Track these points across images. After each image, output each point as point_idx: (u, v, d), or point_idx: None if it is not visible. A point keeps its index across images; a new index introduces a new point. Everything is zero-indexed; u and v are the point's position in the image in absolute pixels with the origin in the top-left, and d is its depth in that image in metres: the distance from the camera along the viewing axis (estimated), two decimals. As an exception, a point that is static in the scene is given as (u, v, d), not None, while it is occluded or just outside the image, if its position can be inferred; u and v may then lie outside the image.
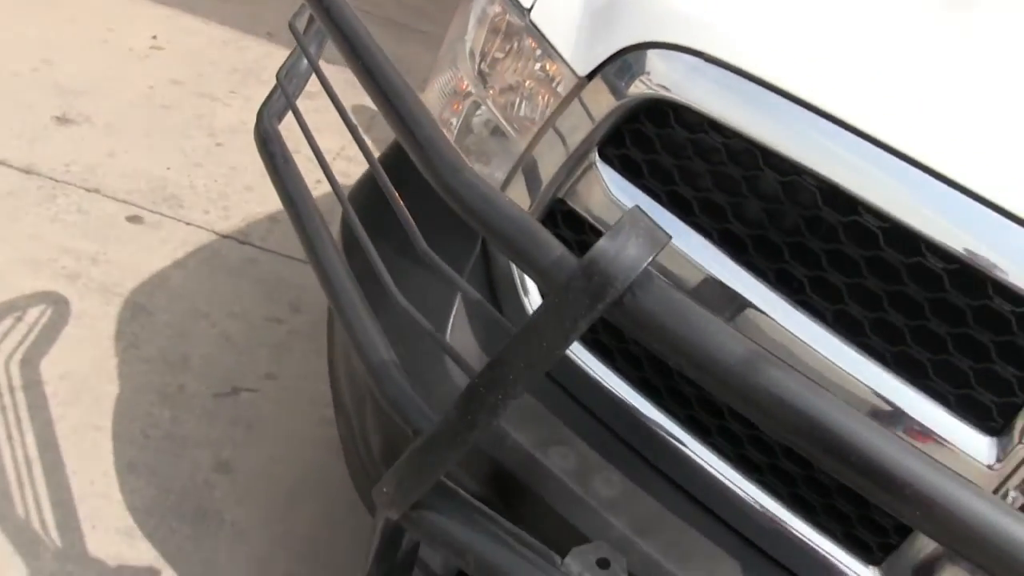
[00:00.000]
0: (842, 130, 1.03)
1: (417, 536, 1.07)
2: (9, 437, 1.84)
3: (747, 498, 1.18)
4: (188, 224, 2.51)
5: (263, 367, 2.16)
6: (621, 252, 0.80)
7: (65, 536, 1.71)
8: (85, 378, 2.00)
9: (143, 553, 1.74)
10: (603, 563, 1.06)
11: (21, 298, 2.11)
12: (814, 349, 1.06)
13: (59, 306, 2.12)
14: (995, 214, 0.96)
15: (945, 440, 1.00)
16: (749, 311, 1.09)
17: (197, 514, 1.83)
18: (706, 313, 0.81)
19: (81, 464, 1.84)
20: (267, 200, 2.56)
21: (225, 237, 2.51)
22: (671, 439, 1.21)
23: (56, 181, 2.46)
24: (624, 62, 1.18)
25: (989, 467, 1.00)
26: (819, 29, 1.17)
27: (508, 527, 1.07)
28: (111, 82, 2.91)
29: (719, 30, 1.14)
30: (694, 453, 1.21)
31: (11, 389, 1.92)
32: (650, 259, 0.80)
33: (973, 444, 1.01)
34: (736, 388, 0.80)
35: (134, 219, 2.46)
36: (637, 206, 0.87)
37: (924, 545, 1.08)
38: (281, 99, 1.37)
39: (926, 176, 0.98)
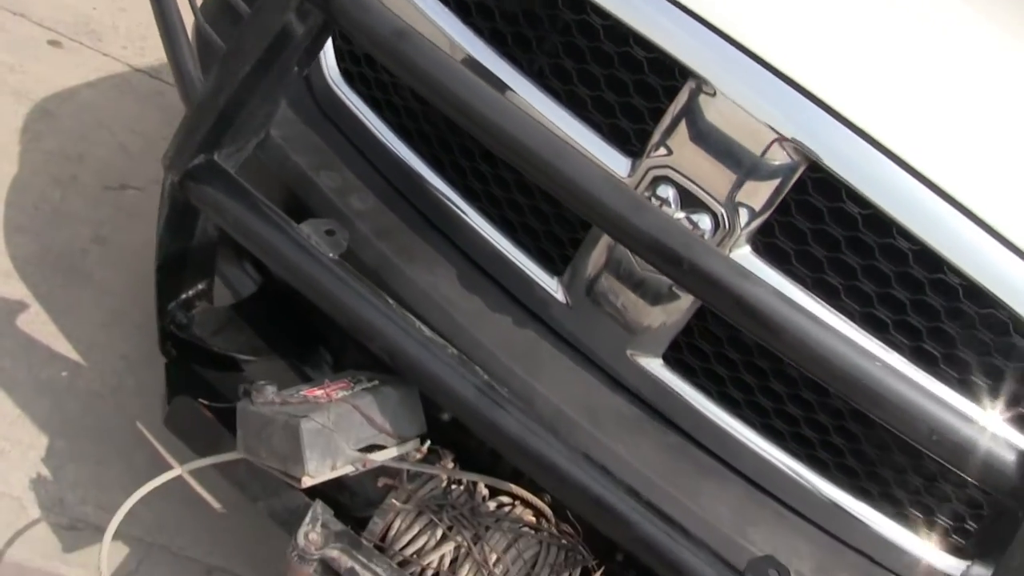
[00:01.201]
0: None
1: (192, 198, 1.39)
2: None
3: (467, 220, 1.51)
4: (105, 55, 2.80)
5: (153, 174, 2.45)
6: None
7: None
8: (-12, 156, 2.30)
9: (17, 291, 2.05)
10: (330, 232, 1.40)
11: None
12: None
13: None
14: None
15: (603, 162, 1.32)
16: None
17: (70, 270, 2.15)
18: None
19: (-26, 221, 2.15)
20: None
21: (138, 70, 2.81)
22: (413, 170, 1.54)
23: (-15, 4, 2.74)
24: None
25: (626, 176, 1.33)
26: None
27: (263, 201, 1.39)
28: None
29: None
30: (431, 183, 1.53)
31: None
32: None
33: (618, 163, 1.34)
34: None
35: (54, 43, 2.75)
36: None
37: (591, 257, 1.41)
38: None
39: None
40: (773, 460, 1.39)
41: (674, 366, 1.41)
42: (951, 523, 1.33)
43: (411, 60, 1.21)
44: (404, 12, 1.36)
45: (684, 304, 1.35)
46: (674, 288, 1.33)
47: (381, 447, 1.34)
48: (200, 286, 1.61)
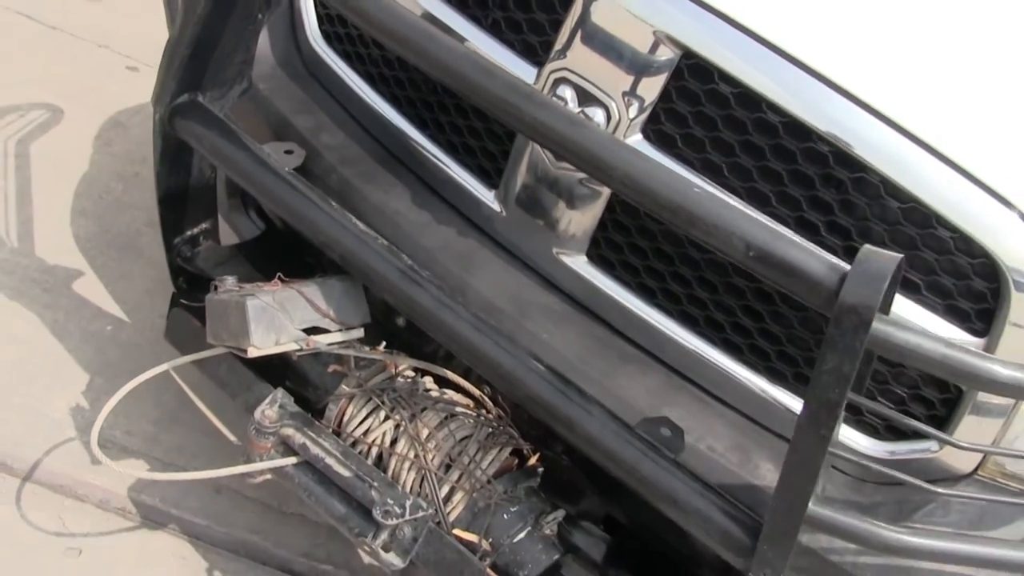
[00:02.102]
0: None
1: (178, 131, 1.63)
2: (-1, 184, 2.49)
3: (419, 147, 1.70)
4: (176, 79, 3.16)
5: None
6: None
7: (21, 242, 2.35)
8: (65, 157, 2.65)
9: (75, 262, 2.35)
10: (289, 151, 1.61)
11: (27, 104, 2.78)
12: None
13: (55, 113, 2.79)
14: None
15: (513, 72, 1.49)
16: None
17: (124, 247, 2.44)
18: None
19: (47, 207, 2.48)
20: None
21: (204, 91, 3.15)
22: (375, 109, 1.75)
23: (75, 37, 3.15)
24: None
25: (532, 81, 1.49)
26: None
27: (236, 131, 1.62)
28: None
29: None
30: (390, 119, 1.73)
31: (5, 155, 2.58)
32: None
33: (526, 72, 1.51)
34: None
35: (132, 68, 3.13)
36: None
37: (519, 169, 1.57)
38: None
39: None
40: (689, 346, 1.50)
41: (597, 262, 1.55)
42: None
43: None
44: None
45: (597, 201, 1.49)
46: (584, 183, 1.48)
47: (326, 332, 1.52)
48: (204, 225, 1.85)
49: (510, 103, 1.33)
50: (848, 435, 1.44)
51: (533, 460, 1.57)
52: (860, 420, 1.45)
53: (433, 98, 1.68)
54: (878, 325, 1.05)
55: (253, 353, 1.45)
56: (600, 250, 1.54)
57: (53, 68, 2.96)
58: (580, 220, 1.53)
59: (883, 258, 1.04)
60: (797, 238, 1.17)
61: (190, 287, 1.85)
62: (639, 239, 1.49)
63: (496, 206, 1.62)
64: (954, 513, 1.42)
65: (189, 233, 1.84)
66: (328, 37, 1.85)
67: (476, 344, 1.41)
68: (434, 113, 1.68)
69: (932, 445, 1.42)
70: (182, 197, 1.78)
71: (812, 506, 1.22)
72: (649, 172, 1.18)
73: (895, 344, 1.06)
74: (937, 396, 1.38)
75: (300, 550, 1.93)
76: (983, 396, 1.33)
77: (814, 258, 1.09)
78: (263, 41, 1.88)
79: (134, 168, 2.70)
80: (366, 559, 1.96)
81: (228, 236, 1.98)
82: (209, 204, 1.85)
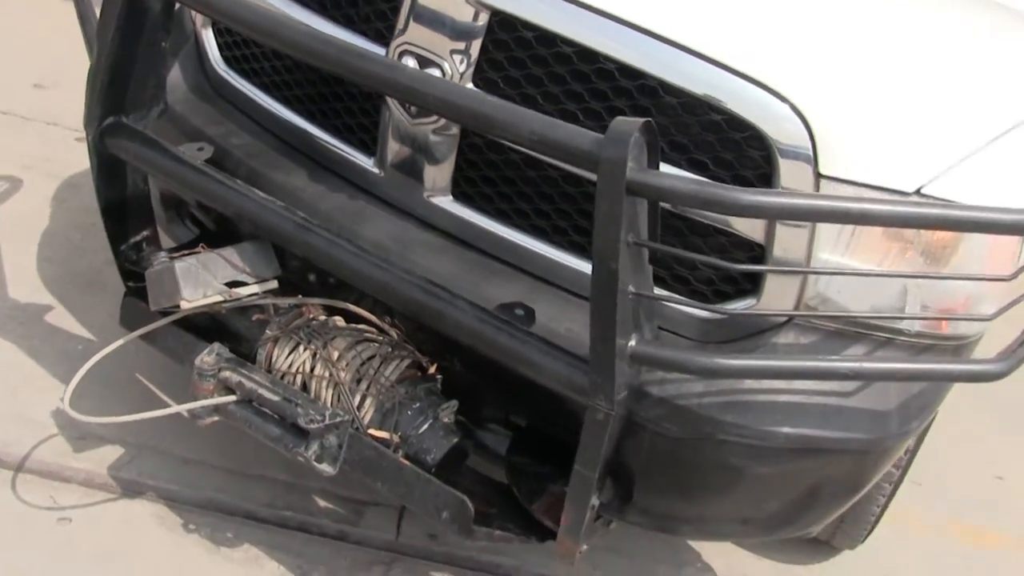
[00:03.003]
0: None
1: (108, 148, 1.96)
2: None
3: (312, 134, 2.04)
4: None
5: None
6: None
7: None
8: (28, 217, 2.99)
9: (45, 299, 2.68)
10: (201, 148, 1.95)
11: (-9, 177, 3.14)
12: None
13: (15, 183, 3.13)
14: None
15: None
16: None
17: (88, 283, 2.77)
18: None
19: (16, 260, 2.80)
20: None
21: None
22: (272, 111, 2.09)
23: (26, 119, 3.52)
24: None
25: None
26: None
27: (156, 140, 1.96)
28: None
29: None
30: (286, 116, 2.08)
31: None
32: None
33: (379, 51, 1.86)
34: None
35: (81, 139, 3.48)
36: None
37: (387, 135, 1.91)
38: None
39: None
40: (543, 253, 1.82)
41: (461, 199, 1.88)
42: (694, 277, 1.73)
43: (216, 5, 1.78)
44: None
45: (450, 147, 1.83)
46: (436, 132, 1.82)
47: (245, 285, 1.85)
48: (145, 232, 2.17)
49: (369, 72, 1.67)
50: (684, 307, 1.75)
51: (431, 369, 1.88)
52: (694, 291, 1.77)
53: (315, 92, 2.03)
54: (635, 173, 1.38)
55: (185, 306, 1.78)
56: (462, 188, 1.88)
57: (9, 146, 3.32)
58: (440, 166, 1.87)
59: (629, 123, 1.38)
60: (566, 124, 1.49)
61: (138, 285, 2.17)
62: (488, 171, 1.83)
63: (376, 170, 1.96)
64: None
65: (133, 240, 2.16)
66: (228, 61, 2.21)
67: (362, 269, 1.74)
68: (317, 104, 2.03)
69: (747, 303, 1.75)
70: (122, 207, 2.11)
71: (637, 346, 1.54)
72: (461, 94, 1.53)
73: (652, 186, 1.39)
74: (745, 257, 1.70)
75: (263, 502, 2.22)
76: (779, 254, 1.65)
77: (578, 134, 1.43)
78: (176, 72, 2.25)
79: (90, 219, 3.03)
80: (321, 503, 2.26)
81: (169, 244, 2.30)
82: (147, 213, 2.17)
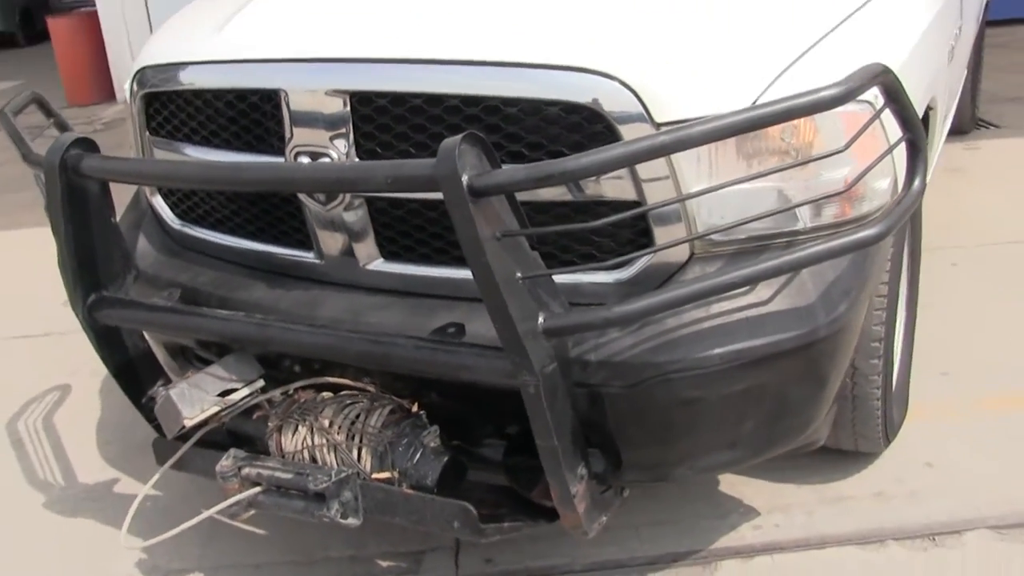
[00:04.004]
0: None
1: (99, 320, 2.30)
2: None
3: (265, 252, 2.35)
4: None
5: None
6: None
7: (65, 480, 3.02)
8: (81, 412, 3.37)
9: (110, 474, 3.01)
10: (171, 294, 2.27)
11: (40, 392, 3.53)
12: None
13: (65, 389, 3.53)
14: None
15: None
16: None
17: (144, 450, 3.11)
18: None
19: (79, 448, 3.16)
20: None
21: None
22: (228, 244, 2.41)
23: (62, 334, 3.94)
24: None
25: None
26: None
27: (136, 301, 2.29)
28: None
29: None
30: (239, 245, 2.40)
31: (34, 432, 3.30)
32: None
33: (278, 160, 2.17)
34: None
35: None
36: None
37: (315, 230, 2.21)
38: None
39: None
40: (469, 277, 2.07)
41: (390, 257, 2.16)
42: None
43: (149, 172, 2.12)
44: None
45: (361, 217, 2.12)
46: (345, 210, 2.11)
47: (236, 391, 2.14)
48: (158, 383, 2.49)
49: (276, 180, 1.98)
50: (597, 278, 1.98)
51: (413, 408, 2.13)
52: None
53: (251, 215, 2.35)
54: (473, 179, 1.62)
55: (188, 423, 2.07)
56: (387, 249, 2.16)
57: (55, 360, 3.73)
58: (363, 237, 2.15)
59: (452, 140, 1.64)
60: (408, 161, 1.76)
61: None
62: (400, 226, 2.11)
63: (317, 260, 2.25)
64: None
65: (149, 392, 2.48)
66: (181, 216, 2.55)
67: (312, 341, 2.02)
68: (256, 224, 2.36)
69: (651, 258, 1.96)
70: (129, 368, 2.44)
71: (546, 322, 1.77)
72: (323, 169, 1.84)
73: (491, 184, 1.64)
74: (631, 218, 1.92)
75: (331, 579, 2.48)
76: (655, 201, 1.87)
77: (419, 165, 1.70)
78: (143, 241, 2.60)
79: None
80: (384, 564, 2.49)
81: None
82: (153, 366, 2.49)
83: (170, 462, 2.27)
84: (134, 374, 2.46)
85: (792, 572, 2.34)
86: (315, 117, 2.06)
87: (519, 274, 1.73)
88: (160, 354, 2.55)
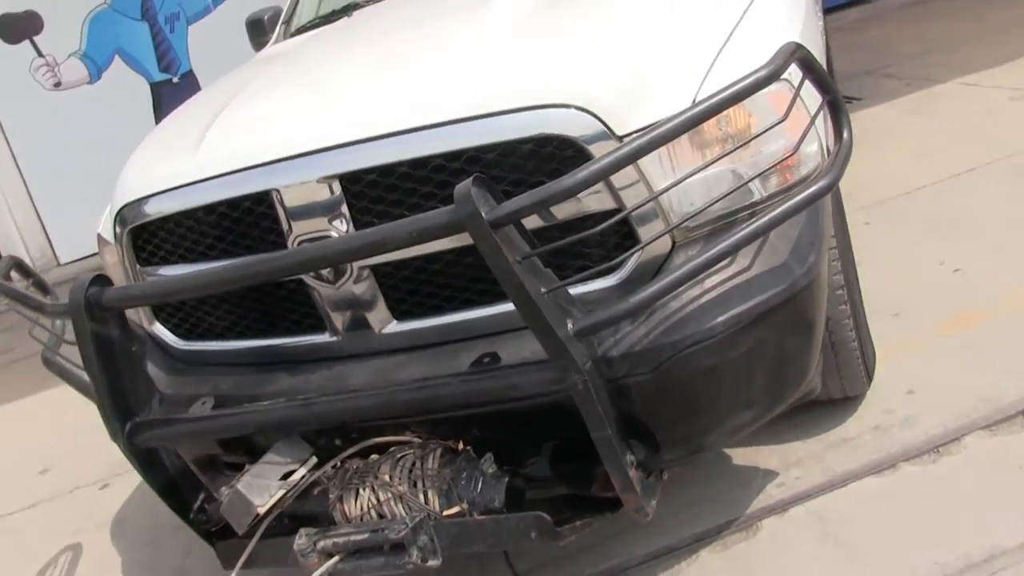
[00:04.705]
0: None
1: (140, 445, 2.43)
2: None
3: (286, 345, 2.52)
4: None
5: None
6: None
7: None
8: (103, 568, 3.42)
9: None
10: (204, 402, 2.43)
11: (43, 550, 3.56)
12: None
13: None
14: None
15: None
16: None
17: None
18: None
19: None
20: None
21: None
22: (240, 347, 2.58)
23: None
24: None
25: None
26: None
27: (172, 418, 2.43)
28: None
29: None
30: (253, 345, 2.57)
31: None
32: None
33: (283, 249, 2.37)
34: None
35: (104, 487, 3.94)
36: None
37: (325, 312, 2.41)
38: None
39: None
40: (482, 314, 2.30)
41: (403, 317, 2.37)
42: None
43: (176, 288, 2.29)
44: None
45: (368, 287, 2.32)
46: (353, 282, 2.31)
47: (294, 472, 2.29)
48: (201, 495, 2.62)
49: (288, 265, 2.17)
50: (599, 284, 2.23)
51: (460, 446, 2.32)
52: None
53: (256, 314, 2.53)
54: (489, 214, 1.86)
55: (262, 510, 2.21)
56: (399, 309, 2.36)
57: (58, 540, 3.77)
58: (374, 305, 2.35)
59: (463, 186, 1.88)
60: (426, 214, 1.99)
61: (215, 534, 2.59)
62: (407, 285, 2.32)
63: (334, 338, 2.44)
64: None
65: (196, 505, 2.60)
66: (185, 335, 2.71)
67: (359, 406, 2.20)
68: (263, 322, 2.53)
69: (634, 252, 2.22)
70: (173, 485, 2.56)
71: (575, 325, 2.01)
72: (353, 239, 2.03)
73: (505, 214, 1.87)
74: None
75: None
76: (632, 202, 2.13)
77: (440, 214, 1.93)
78: (152, 369, 2.73)
79: (153, 534, 3.48)
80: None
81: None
82: (194, 480, 2.62)
83: (243, 557, 2.39)
84: (177, 491, 2.58)
85: (826, 513, 2.59)
86: (311, 207, 2.27)
87: (543, 289, 1.96)
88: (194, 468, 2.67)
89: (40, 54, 7.84)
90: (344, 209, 2.26)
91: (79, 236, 7.90)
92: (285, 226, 2.32)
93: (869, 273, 3.45)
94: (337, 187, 2.25)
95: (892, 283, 3.61)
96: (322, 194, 2.26)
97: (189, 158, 2.49)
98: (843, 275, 2.66)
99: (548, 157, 2.15)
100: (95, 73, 7.94)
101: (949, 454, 2.66)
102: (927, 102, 5.45)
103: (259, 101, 2.69)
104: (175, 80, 8.02)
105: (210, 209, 2.42)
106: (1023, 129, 4.63)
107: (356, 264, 2.29)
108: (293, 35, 3.77)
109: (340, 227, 2.27)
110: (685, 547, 2.62)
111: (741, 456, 2.92)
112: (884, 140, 5.18)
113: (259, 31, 4.04)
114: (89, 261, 8.00)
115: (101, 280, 2.29)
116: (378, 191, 2.23)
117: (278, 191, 2.29)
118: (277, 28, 3.98)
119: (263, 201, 2.34)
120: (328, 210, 2.26)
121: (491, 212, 1.88)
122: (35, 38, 7.79)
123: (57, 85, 7.91)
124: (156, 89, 8.01)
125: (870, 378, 2.92)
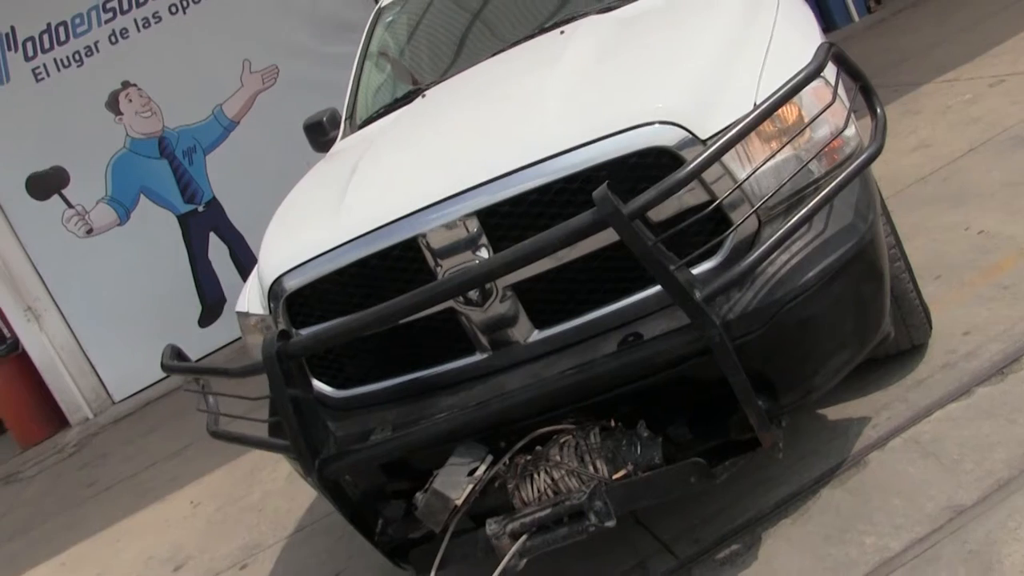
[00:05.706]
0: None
1: (329, 475, 2.86)
2: None
3: (442, 372, 2.99)
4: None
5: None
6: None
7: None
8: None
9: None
10: (382, 430, 2.88)
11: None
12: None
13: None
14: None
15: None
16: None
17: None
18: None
19: None
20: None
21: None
22: (395, 383, 3.04)
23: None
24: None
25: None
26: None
27: (355, 447, 2.88)
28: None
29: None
30: (410, 378, 3.03)
31: None
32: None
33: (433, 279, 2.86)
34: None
35: (244, 566, 4.33)
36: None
37: (475, 334, 2.89)
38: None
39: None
40: (611, 309, 2.78)
41: (544, 325, 2.85)
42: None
43: (362, 323, 2.76)
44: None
45: (510, 303, 2.81)
46: (499, 301, 2.79)
47: (475, 469, 2.74)
48: (380, 518, 3.04)
49: (443, 292, 2.65)
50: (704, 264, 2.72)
51: (612, 422, 2.77)
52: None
53: (409, 351, 3.00)
54: (627, 209, 2.36)
55: (459, 502, 2.65)
56: (539, 319, 2.84)
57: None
58: (518, 320, 2.83)
59: (601, 190, 2.38)
60: (569, 220, 2.49)
61: (402, 546, 3.01)
62: (544, 295, 2.81)
63: (485, 356, 2.91)
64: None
65: (378, 527, 3.02)
66: (341, 386, 3.17)
67: (530, 399, 2.66)
68: (417, 354, 3.00)
69: (734, 238, 2.72)
70: (359, 511, 2.99)
71: (703, 293, 2.49)
72: (514, 253, 2.51)
73: (639, 207, 2.38)
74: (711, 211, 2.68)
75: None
76: (720, 192, 2.63)
77: (582, 219, 2.42)
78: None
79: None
80: None
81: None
82: (374, 504, 3.05)
83: (438, 557, 2.81)
84: (362, 515, 3.01)
85: (920, 437, 3.04)
86: (456, 243, 2.76)
87: (672, 267, 2.45)
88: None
89: (70, 205, 8.41)
90: (484, 240, 2.75)
91: (128, 372, 8.37)
92: (433, 264, 2.81)
93: (906, 248, 3.97)
94: (475, 223, 2.74)
95: (928, 253, 4.11)
96: (464, 231, 2.75)
97: (333, 224, 2.99)
98: (892, 236, 3.16)
99: (648, 166, 2.66)
100: (123, 215, 8.51)
101: (1013, 372, 3.13)
102: (915, 102, 6.05)
103: (383, 168, 3.19)
104: (200, 209, 8.59)
105: (362, 263, 2.91)
106: (1009, 108, 5.21)
107: (500, 285, 2.77)
108: (360, 127, 4.32)
109: (484, 255, 2.76)
110: (807, 489, 3.06)
111: (834, 412, 3.37)
112: (886, 141, 5.74)
113: (319, 132, 4.58)
114: (145, 393, 8.43)
115: (283, 335, 2.77)
116: (512, 219, 2.73)
117: (424, 236, 2.79)
118: (342, 124, 4.53)
119: (411, 247, 2.83)
120: (471, 244, 2.76)
121: (627, 207, 2.38)
122: (63, 191, 8.36)
123: (89, 232, 8.46)
124: (184, 220, 8.58)
125: (930, 326, 3.40)
